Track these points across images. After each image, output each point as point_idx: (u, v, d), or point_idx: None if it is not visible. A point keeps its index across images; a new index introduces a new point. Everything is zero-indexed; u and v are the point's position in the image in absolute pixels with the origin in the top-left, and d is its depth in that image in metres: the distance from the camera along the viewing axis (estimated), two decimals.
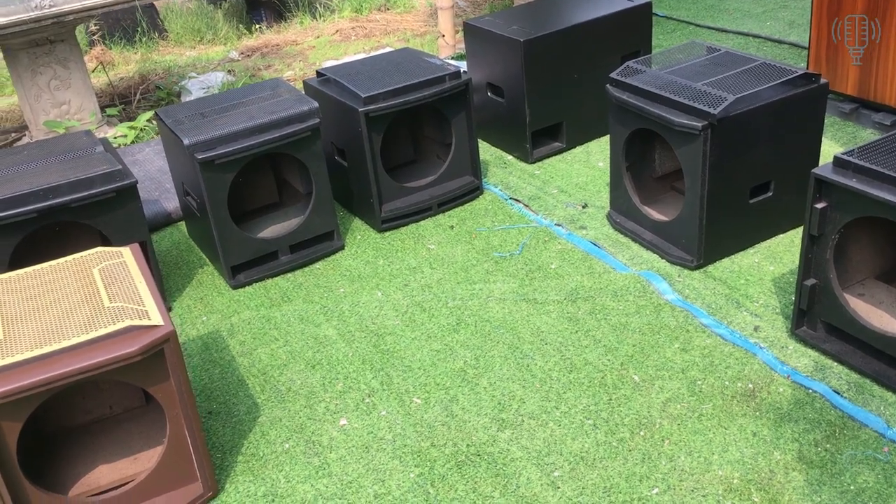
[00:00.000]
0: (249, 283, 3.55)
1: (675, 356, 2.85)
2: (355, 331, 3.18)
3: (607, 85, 3.45)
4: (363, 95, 3.59)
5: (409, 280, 3.46)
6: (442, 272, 3.48)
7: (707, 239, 3.24)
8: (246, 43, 7.23)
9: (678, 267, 3.32)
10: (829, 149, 3.97)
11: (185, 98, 5.68)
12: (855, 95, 4.23)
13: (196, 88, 5.76)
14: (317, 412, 2.80)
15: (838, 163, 2.61)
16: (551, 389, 2.77)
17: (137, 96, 5.83)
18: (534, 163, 4.30)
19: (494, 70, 4.27)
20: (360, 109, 3.57)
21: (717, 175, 3.12)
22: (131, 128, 5.05)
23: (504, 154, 4.44)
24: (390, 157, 3.97)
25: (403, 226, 3.86)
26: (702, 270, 3.29)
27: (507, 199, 3.98)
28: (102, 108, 5.27)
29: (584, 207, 3.83)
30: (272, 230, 3.66)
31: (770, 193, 3.33)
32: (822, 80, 3.22)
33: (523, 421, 2.66)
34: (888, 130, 4.06)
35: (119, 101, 5.76)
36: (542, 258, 3.49)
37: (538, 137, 4.30)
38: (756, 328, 2.94)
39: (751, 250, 3.38)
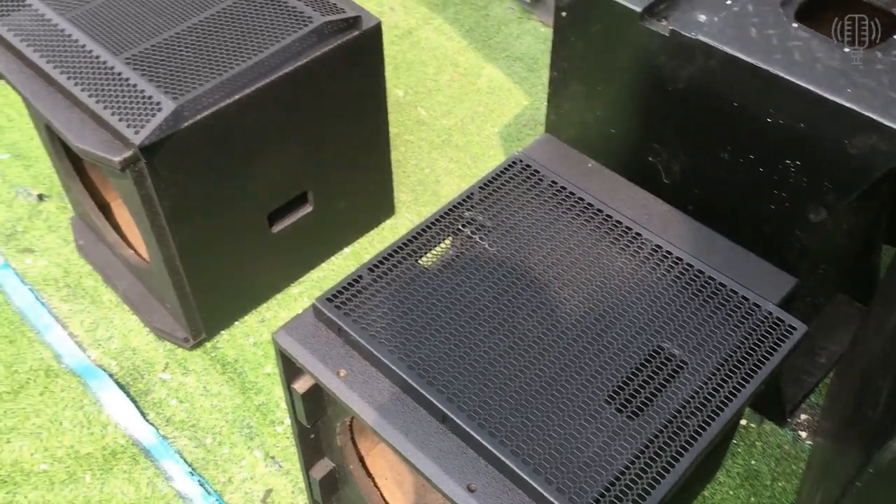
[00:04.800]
0: None
1: None
2: None
3: None
4: None
5: None
6: None
7: (202, 301, 1.89)
8: None
9: (169, 346, 1.98)
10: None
11: None
12: None
13: None
14: None
15: (322, 317, 1.31)
16: None
17: None
18: None
19: None
20: None
21: (184, 219, 1.71)
22: None
23: None
24: None
25: None
26: (205, 349, 1.98)
27: None
28: None
29: (40, 199, 2.28)
30: None
31: (310, 208, 1.98)
32: (374, 22, 1.78)
33: None
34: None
35: None
36: None
37: None
38: (268, 493, 1.75)
39: (293, 290, 2.09)
